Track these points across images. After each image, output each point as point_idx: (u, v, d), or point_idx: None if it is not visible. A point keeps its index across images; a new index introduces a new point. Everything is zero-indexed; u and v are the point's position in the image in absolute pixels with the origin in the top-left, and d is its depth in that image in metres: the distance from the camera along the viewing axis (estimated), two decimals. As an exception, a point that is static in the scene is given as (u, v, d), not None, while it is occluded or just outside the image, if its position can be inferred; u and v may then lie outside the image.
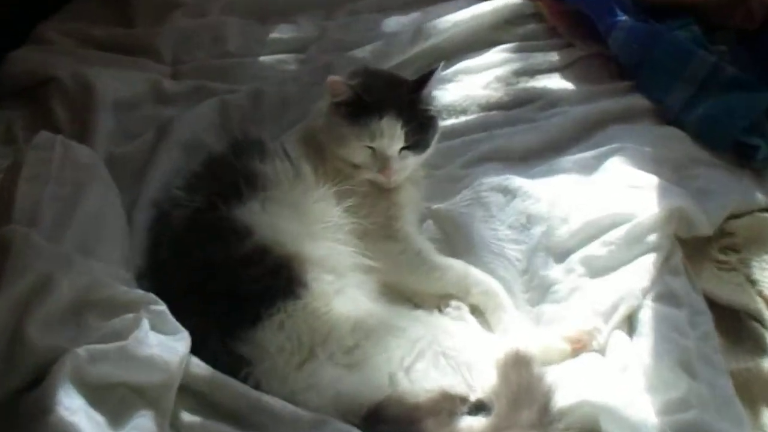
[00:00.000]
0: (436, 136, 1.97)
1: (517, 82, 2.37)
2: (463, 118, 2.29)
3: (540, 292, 1.80)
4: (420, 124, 1.86)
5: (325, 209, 1.79)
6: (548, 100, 2.31)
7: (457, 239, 1.94)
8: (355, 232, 1.80)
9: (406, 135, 1.83)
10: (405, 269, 1.82)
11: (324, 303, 1.58)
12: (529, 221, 1.91)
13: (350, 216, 1.79)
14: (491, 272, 1.83)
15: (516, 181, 2.00)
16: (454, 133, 2.24)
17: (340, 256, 1.72)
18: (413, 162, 1.92)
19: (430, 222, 2.01)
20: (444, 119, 2.24)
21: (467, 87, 2.35)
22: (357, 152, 1.85)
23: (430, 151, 1.96)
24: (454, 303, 1.78)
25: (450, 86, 2.36)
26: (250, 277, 1.57)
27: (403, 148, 1.86)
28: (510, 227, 1.92)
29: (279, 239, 1.64)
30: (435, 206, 2.02)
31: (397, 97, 1.85)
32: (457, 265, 1.83)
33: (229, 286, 1.57)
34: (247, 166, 1.77)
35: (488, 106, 2.32)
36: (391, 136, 1.82)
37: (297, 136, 2.00)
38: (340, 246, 1.74)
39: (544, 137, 2.20)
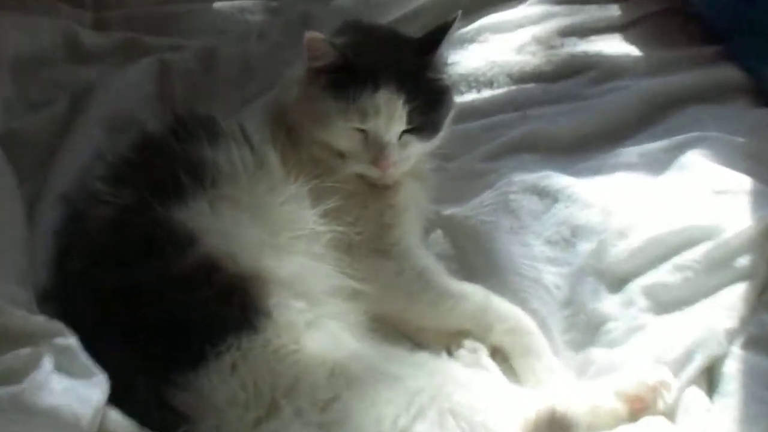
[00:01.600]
0: (450, 116, 1.98)
1: (562, 45, 2.40)
2: (487, 93, 2.32)
3: (587, 331, 1.80)
4: (428, 100, 1.87)
5: (297, 213, 1.80)
6: (604, 71, 2.35)
7: (476, 257, 1.96)
8: (338, 244, 1.82)
9: (410, 114, 1.84)
10: (403, 296, 1.84)
11: (292, 339, 1.58)
12: (574, 235, 1.93)
13: (331, 223, 1.80)
14: (521, 303, 1.84)
15: (558, 179, 2.01)
16: (475, 112, 2.27)
17: (316, 276, 1.73)
18: (418, 150, 1.93)
19: (439, 233, 2.03)
20: (461, 93, 2.27)
21: (494, 50, 2.37)
22: (343, 136, 1.86)
23: (441, 136, 1.96)
24: (468, 344, 1.79)
25: (471, 49, 2.37)
26: (192, 302, 1.57)
27: (404, 132, 1.87)
28: (548, 242, 1.94)
29: (233, 251, 1.64)
30: (447, 212, 2.03)
31: (399, 61, 1.85)
32: (474, 292, 1.84)
33: (165, 314, 1.56)
34: (192, 152, 1.79)
35: (522, 77, 2.35)
36: (390, 115, 1.83)
37: (262, 114, 2.01)
38: (315, 263, 1.75)
39: (598, 121, 2.19)
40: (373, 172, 1.89)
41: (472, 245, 1.98)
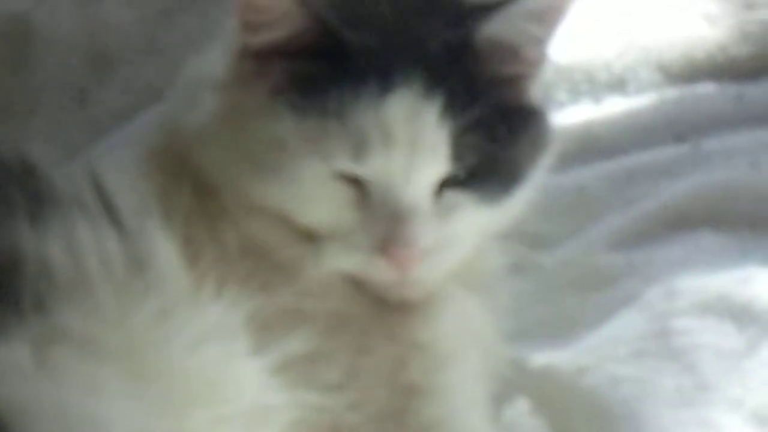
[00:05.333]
0: (546, 156, 1.38)
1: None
2: (617, 104, 1.81)
3: None
4: (497, 118, 1.27)
5: (223, 367, 1.22)
6: None
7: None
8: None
9: (458, 143, 1.26)
10: None
11: None
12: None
13: (295, 387, 1.22)
14: None
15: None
16: (593, 144, 1.74)
17: None
18: (475, 225, 1.33)
19: (522, 406, 1.40)
20: (562, 106, 1.76)
21: (629, 17, 1.87)
22: (316, 194, 1.27)
23: (525, 196, 1.36)
24: None
25: (580, 16, 1.81)
26: None
27: (446, 184, 1.28)
28: (757, 418, 1.33)
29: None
30: (540, 360, 1.45)
31: (434, 38, 1.27)
32: None
33: None
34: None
35: (688, 70, 1.81)
36: (415, 143, 1.25)
37: (138, 154, 1.44)
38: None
39: None
40: (380, 272, 1.25)
41: (596, 429, 1.35)
